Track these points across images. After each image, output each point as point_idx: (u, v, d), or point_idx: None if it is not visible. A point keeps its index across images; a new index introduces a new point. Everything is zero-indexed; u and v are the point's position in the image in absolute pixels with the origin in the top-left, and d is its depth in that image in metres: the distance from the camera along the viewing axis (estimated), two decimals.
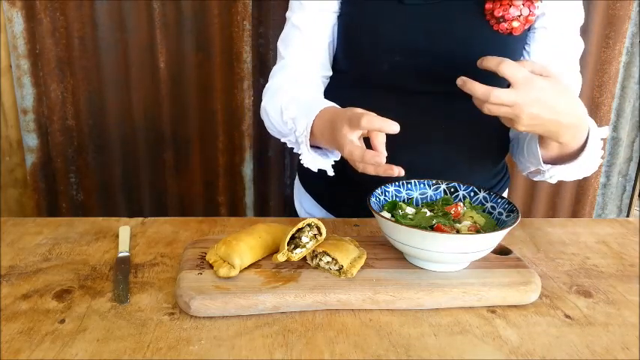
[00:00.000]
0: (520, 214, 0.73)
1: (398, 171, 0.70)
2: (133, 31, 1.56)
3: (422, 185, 0.84)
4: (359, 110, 0.74)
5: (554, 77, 0.75)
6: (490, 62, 0.74)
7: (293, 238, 0.71)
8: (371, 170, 0.73)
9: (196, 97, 1.64)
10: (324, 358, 0.58)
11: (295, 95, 0.92)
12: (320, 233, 0.72)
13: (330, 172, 0.86)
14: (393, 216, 0.76)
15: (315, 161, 0.86)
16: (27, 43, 1.55)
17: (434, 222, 0.74)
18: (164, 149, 1.69)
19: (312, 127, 0.83)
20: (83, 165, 1.69)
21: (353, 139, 0.73)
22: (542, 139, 0.85)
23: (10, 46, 1.55)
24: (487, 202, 0.80)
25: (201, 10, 1.55)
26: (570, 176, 0.88)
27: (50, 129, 1.64)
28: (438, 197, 0.83)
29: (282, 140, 0.94)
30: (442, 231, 0.71)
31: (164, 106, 1.64)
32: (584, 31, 1.66)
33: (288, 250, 0.70)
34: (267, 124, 0.98)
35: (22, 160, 1.68)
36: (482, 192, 0.81)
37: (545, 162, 0.87)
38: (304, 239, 0.71)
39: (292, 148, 0.92)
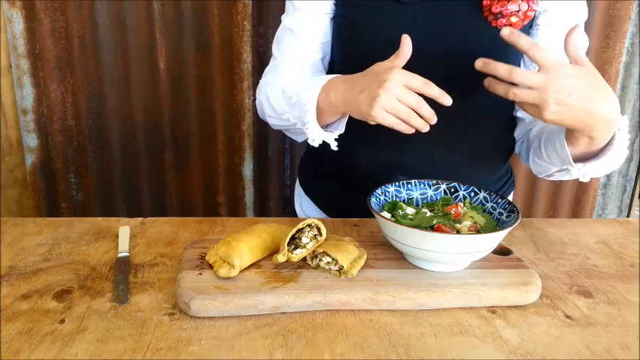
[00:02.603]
0: (520, 215, 0.73)
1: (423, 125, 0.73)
2: (133, 31, 1.56)
3: (422, 185, 0.84)
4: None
5: (588, 66, 0.71)
6: (522, 40, 0.70)
7: (293, 238, 0.71)
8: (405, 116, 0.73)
9: (196, 97, 1.64)
10: (324, 358, 0.58)
11: (296, 77, 0.91)
12: (320, 234, 0.72)
13: (334, 147, 0.85)
14: (393, 216, 0.76)
15: (320, 133, 0.84)
16: (27, 43, 1.55)
17: (434, 222, 0.74)
18: (164, 149, 1.68)
19: (317, 97, 0.81)
20: (83, 165, 1.69)
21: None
22: (568, 136, 0.80)
23: (10, 46, 1.55)
24: (487, 202, 0.80)
25: (201, 10, 1.55)
26: (600, 172, 0.83)
27: (50, 129, 1.64)
28: (439, 197, 0.83)
29: (279, 124, 0.92)
30: (442, 231, 0.71)
31: (164, 106, 1.63)
32: (585, 32, 1.66)
33: (288, 250, 0.70)
34: (266, 109, 0.95)
35: (22, 160, 1.68)
36: (482, 192, 0.81)
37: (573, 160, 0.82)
38: (304, 240, 0.71)
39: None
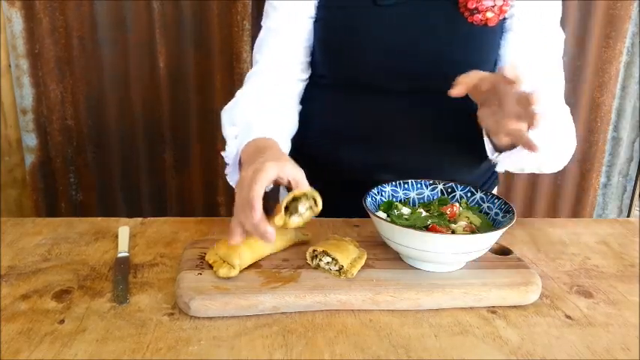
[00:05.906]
0: (515, 215, 0.73)
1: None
2: (132, 30, 1.56)
3: (419, 185, 0.84)
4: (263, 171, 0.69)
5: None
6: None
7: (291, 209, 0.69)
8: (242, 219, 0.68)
9: (196, 97, 1.64)
10: (324, 358, 0.58)
11: (243, 112, 0.88)
12: (316, 204, 0.69)
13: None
14: (388, 216, 0.76)
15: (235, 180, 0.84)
16: (26, 43, 1.55)
17: (429, 222, 0.74)
18: (164, 149, 1.68)
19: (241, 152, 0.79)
20: (82, 165, 1.69)
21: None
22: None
23: (9, 46, 1.55)
24: (484, 202, 0.80)
25: (200, 9, 1.55)
26: (516, 166, 0.89)
27: (49, 129, 1.63)
28: (436, 197, 0.83)
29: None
30: (437, 231, 0.71)
31: (164, 105, 1.63)
32: (585, 31, 1.66)
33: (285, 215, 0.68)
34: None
35: (22, 160, 1.68)
36: (478, 192, 0.81)
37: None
38: (301, 209, 0.68)
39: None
